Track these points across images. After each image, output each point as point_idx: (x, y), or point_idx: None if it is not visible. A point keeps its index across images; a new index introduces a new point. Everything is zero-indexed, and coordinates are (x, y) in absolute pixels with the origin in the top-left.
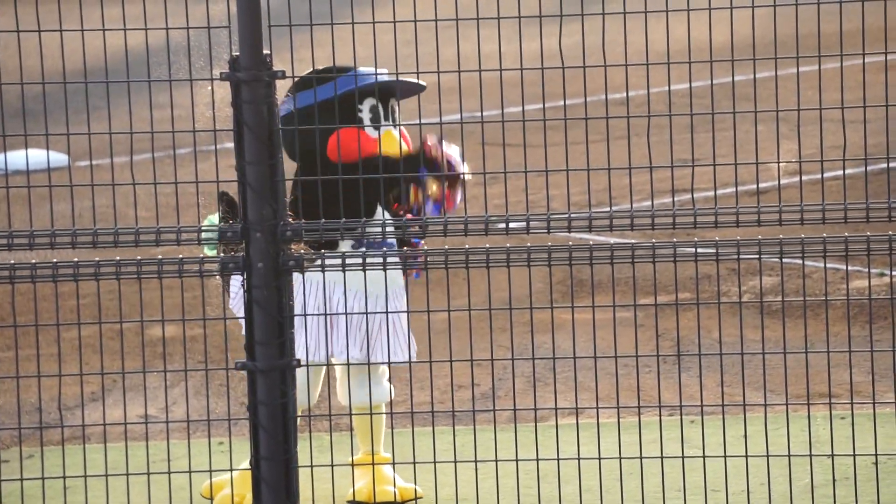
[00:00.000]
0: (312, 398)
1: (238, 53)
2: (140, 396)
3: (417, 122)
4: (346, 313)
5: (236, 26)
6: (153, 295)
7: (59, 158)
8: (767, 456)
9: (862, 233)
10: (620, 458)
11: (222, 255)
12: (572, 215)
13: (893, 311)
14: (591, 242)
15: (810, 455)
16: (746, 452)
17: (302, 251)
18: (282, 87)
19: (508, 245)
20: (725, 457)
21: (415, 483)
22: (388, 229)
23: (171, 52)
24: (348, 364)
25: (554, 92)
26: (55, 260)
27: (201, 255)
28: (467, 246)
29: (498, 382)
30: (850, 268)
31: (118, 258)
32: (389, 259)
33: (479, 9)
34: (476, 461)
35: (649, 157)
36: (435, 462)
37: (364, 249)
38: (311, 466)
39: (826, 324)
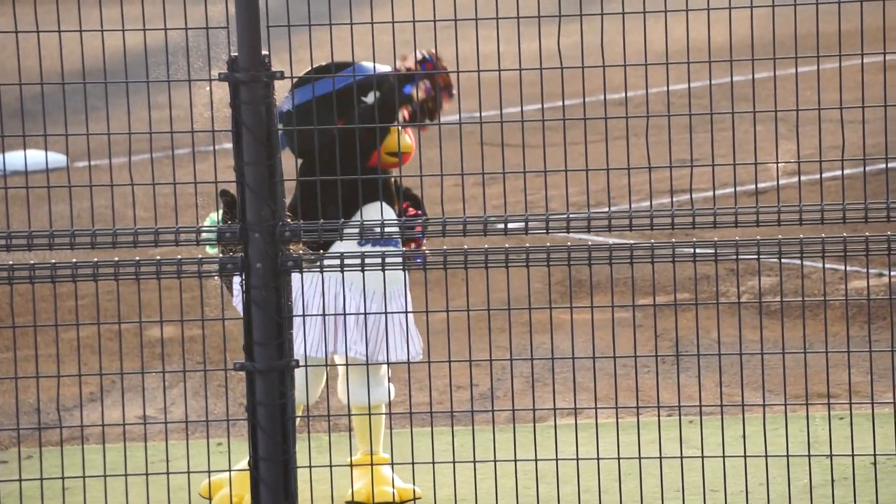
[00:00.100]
0: (312, 397)
1: (236, 54)
2: (138, 397)
3: (416, 122)
4: (345, 314)
5: (235, 27)
6: (152, 295)
7: (57, 159)
8: (766, 456)
9: (860, 233)
10: (619, 459)
11: (222, 254)
12: (571, 216)
13: (892, 312)
14: (589, 243)
15: (809, 455)
16: (745, 453)
17: (301, 251)
18: (280, 88)
19: (507, 245)
20: (724, 457)
21: (413, 483)
22: (388, 228)
23: (169, 53)
24: (347, 364)
25: (553, 92)
26: (53, 261)
27: (199, 256)
28: (466, 246)
29: (496, 383)
30: (848, 268)
31: (116, 259)
32: (389, 259)
33: (477, 9)
34: (475, 461)
35: (648, 157)
36: (433, 462)
37: (363, 248)
38: (310, 467)
39: (825, 324)
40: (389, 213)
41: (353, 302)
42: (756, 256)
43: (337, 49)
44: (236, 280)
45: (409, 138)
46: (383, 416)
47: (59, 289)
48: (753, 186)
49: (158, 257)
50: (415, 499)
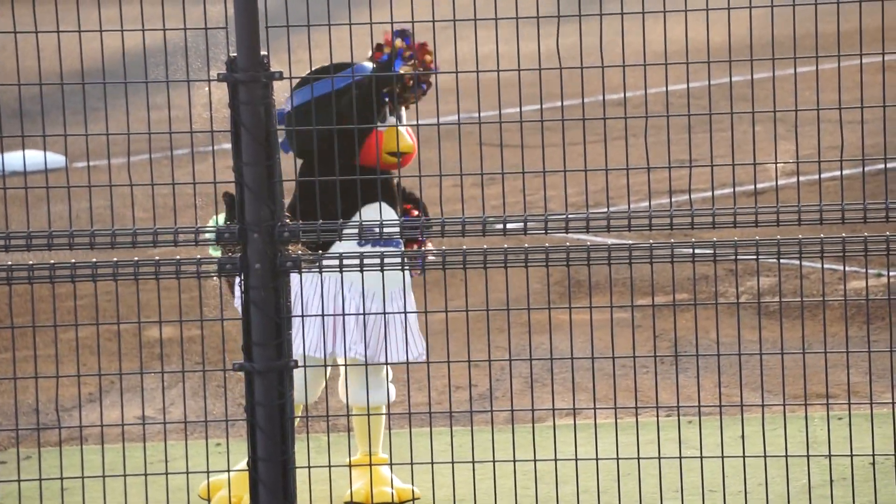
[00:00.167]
0: (312, 397)
1: (235, 54)
2: (137, 397)
3: (415, 123)
4: (343, 314)
5: (233, 27)
6: (150, 296)
7: (56, 159)
8: (765, 456)
9: (859, 233)
10: (618, 459)
11: (223, 255)
12: (570, 216)
13: (891, 312)
14: (588, 243)
15: (807, 455)
16: (744, 453)
17: (300, 252)
18: (279, 89)
19: (506, 246)
20: (723, 457)
21: (412, 484)
22: (386, 229)
23: (168, 54)
24: (346, 365)
25: (552, 93)
26: (52, 261)
27: (198, 256)
28: (465, 247)
29: (495, 383)
30: (847, 268)
31: (115, 259)
32: (388, 259)
33: (476, 10)
34: (473, 462)
35: (647, 157)
36: (432, 463)
37: (362, 248)
38: (309, 467)
39: (823, 324)
40: (390, 214)
41: (353, 302)
42: (755, 257)
43: (336, 50)
44: (237, 280)
45: (409, 139)
46: (383, 416)
47: (58, 289)
48: (752, 187)
49: (157, 258)
50: (413, 499)
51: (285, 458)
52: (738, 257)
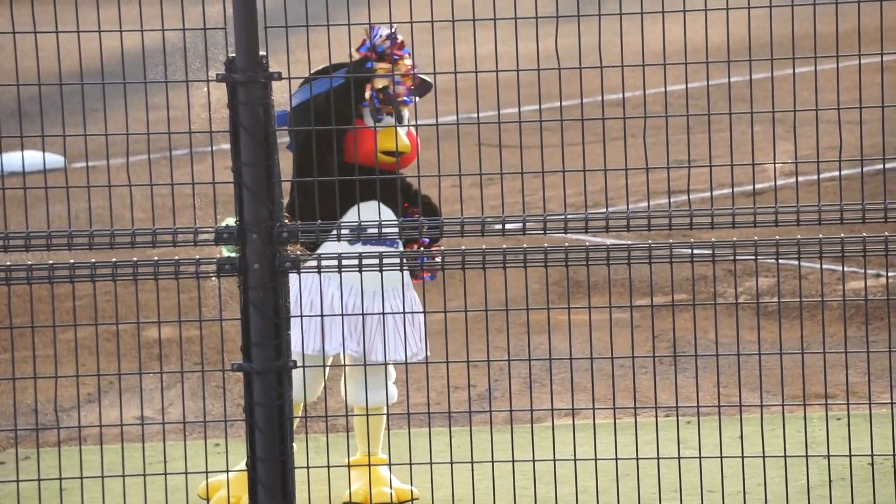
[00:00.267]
0: (312, 396)
1: (234, 55)
2: (136, 398)
3: (414, 123)
4: (342, 314)
5: (232, 28)
6: (149, 296)
7: (55, 160)
8: (763, 457)
9: (858, 234)
10: (617, 459)
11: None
12: (569, 216)
13: (889, 312)
14: (587, 243)
15: (806, 456)
16: (743, 453)
17: (298, 252)
18: (278, 89)
19: (505, 246)
20: (722, 457)
21: (411, 484)
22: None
23: (167, 54)
24: (345, 365)
25: (550, 93)
26: (51, 261)
27: (197, 257)
28: (464, 247)
29: (494, 383)
30: (846, 269)
31: (114, 260)
32: (386, 259)
33: (475, 10)
34: (472, 462)
35: (645, 158)
36: (431, 463)
37: (352, 248)
38: (308, 468)
39: (822, 325)
40: (385, 214)
41: (350, 302)
42: (753, 257)
43: (335, 50)
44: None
45: (406, 138)
46: (384, 417)
47: (57, 289)
48: (751, 187)
49: (156, 258)
50: (412, 499)
51: (284, 458)
52: (737, 258)
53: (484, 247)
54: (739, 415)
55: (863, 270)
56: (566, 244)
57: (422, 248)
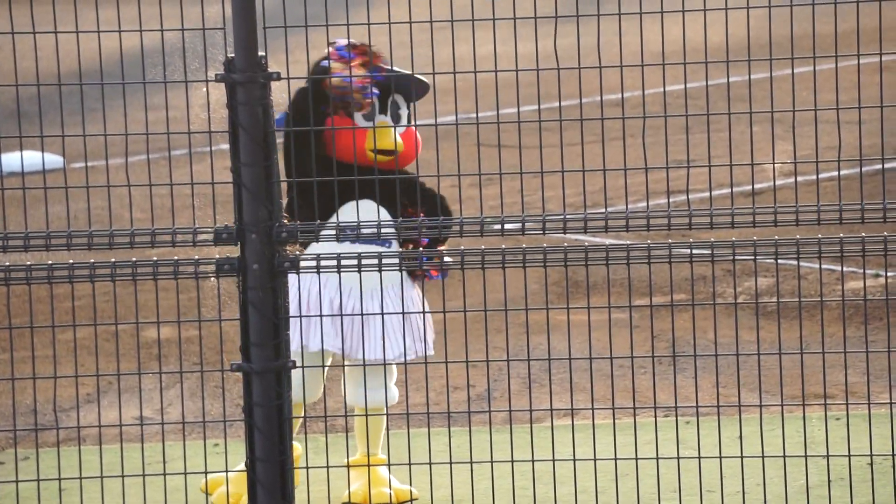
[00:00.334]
0: (311, 396)
1: (233, 55)
2: (135, 398)
3: (413, 123)
4: (342, 314)
5: (231, 28)
6: (148, 297)
7: (54, 160)
8: (763, 457)
9: (857, 234)
10: (616, 460)
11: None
12: (568, 216)
13: (888, 312)
14: (586, 244)
15: (805, 456)
16: (742, 453)
17: (297, 252)
18: (277, 89)
19: (504, 246)
20: (721, 458)
21: (410, 484)
22: (384, 229)
23: (166, 54)
24: (344, 365)
25: (549, 93)
26: (50, 262)
27: (196, 257)
28: (463, 247)
29: (493, 384)
30: (845, 269)
31: (113, 260)
32: (386, 259)
33: (474, 10)
34: (471, 462)
35: (644, 158)
36: (430, 463)
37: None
38: (307, 468)
39: (821, 325)
40: (382, 213)
41: (349, 302)
42: (753, 257)
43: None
44: None
45: (399, 137)
46: (383, 417)
47: (56, 290)
48: (750, 187)
49: (155, 258)
50: (412, 500)
51: (283, 458)
52: (736, 258)
53: (483, 247)
54: (738, 415)
55: (862, 270)
56: (565, 244)
57: (424, 248)
